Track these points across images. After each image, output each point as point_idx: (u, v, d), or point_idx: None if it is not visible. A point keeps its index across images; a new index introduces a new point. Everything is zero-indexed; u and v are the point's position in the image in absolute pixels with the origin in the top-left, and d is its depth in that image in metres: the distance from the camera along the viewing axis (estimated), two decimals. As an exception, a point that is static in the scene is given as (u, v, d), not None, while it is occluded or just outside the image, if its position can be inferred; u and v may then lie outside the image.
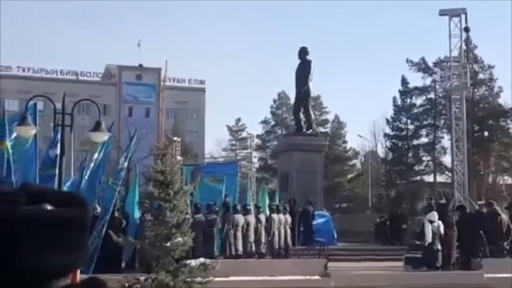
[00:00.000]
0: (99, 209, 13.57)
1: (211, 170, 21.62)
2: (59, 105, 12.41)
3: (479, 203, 22.23)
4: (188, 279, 9.53)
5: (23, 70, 59.55)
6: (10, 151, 12.82)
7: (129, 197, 14.62)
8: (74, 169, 15.35)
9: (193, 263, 9.95)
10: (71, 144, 13.28)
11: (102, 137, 12.59)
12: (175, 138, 16.22)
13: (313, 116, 27.74)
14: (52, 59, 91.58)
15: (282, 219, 18.28)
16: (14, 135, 12.87)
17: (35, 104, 13.87)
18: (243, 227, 16.69)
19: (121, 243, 10.66)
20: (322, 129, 53.90)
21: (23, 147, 13.20)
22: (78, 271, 1.09)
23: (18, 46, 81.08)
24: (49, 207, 1.00)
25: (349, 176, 55.54)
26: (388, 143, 51.14)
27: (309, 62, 25.71)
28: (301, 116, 25.73)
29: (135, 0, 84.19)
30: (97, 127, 12.07)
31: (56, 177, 12.20)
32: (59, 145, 12.72)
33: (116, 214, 13.78)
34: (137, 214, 13.73)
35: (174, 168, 10.39)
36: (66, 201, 1.04)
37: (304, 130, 25.46)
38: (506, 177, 43.44)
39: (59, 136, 12.65)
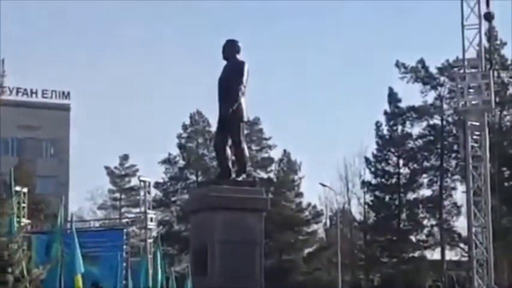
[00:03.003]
0: None
1: (81, 242, 21.10)
2: None
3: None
4: None
5: None
6: None
7: None
8: None
9: None
10: None
11: None
12: (18, 188, 15.71)
13: (247, 153, 28.15)
14: None
15: (198, 323, 18.35)
16: None
17: None
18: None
19: None
20: (263, 174, 56.99)
21: None
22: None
23: None
24: None
25: (307, 250, 57.21)
26: (369, 197, 52.33)
27: (241, 63, 25.79)
28: (228, 151, 26.28)
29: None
30: None
31: None
32: None
33: None
34: None
35: (15, 238, 10.63)
36: None
37: (233, 175, 26.01)
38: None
39: None
